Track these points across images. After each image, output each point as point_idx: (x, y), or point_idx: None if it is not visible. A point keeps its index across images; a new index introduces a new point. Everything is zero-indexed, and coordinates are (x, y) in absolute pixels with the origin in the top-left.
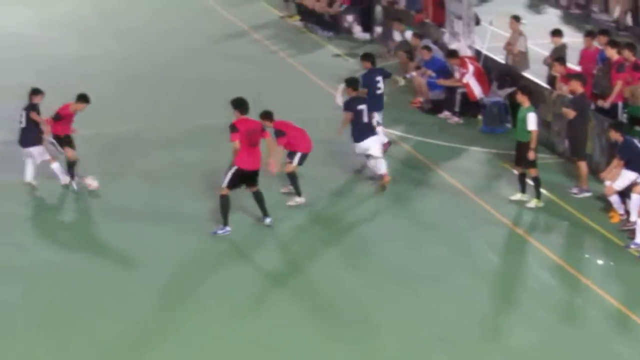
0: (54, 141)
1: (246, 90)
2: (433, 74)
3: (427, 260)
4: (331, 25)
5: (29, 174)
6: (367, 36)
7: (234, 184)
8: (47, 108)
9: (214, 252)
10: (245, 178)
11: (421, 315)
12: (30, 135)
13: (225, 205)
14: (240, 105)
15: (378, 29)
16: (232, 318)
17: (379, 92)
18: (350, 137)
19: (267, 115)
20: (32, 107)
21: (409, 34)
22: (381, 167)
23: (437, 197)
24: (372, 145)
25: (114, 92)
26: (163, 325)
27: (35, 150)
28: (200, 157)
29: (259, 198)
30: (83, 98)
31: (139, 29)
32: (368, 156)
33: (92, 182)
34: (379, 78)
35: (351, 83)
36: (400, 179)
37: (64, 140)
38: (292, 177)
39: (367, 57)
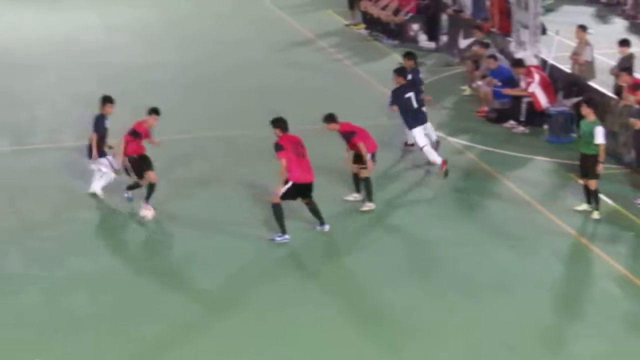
0: (128, 166)
1: (309, 98)
2: (499, 83)
3: (491, 268)
4: (396, 33)
5: (94, 185)
6: (432, 45)
7: (288, 196)
8: (113, 117)
9: (271, 258)
10: (301, 191)
11: (485, 323)
12: (97, 146)
13: (279, 213)
14: (280, 123)
15: (443, 38)
16: (288, 326)
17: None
18: (404, 126)
19: (332, 118)
20: (95, 123)
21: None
22: (434, 157)
23: (502, 206)
24: (429, 130)
25: (179, 99)
26: (217, 330)
27: (96, 163)
28: (263, 165)
29: (313, 209)
30: (155, 111)
31: (204, 37)
32: (437, 142)
33: (147, 213)
34: (422, 76)
35: (400, 72)
36: (465, 188)
37: (141, 162)
38: (368, 182)
39: (410, 55)
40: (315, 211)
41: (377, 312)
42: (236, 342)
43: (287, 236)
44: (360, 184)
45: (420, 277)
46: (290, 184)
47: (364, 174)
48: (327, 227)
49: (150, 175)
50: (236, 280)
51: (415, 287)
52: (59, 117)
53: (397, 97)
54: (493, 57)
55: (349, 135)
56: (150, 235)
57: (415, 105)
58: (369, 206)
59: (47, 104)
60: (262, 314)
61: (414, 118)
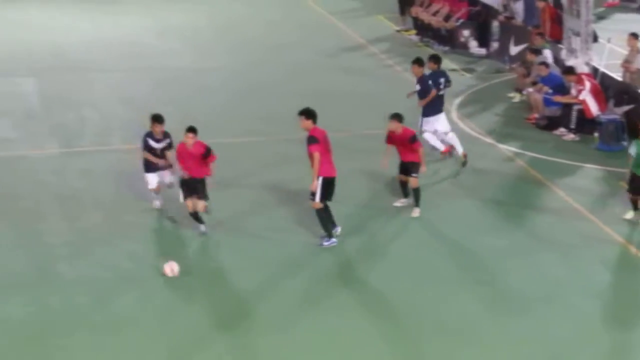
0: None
1: (361, 104)
2: (549, 90)
3: (540, 278)
4: (447, 39)
5: (155, 203)
6: (483, 51)
7: (324, 195)
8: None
9: (316, 264)
10: (330, 186)
11: (534, 334)
12: (143, 161)
13: (323, 218)
14: (314, 114)
15: (494, 44)
16: (326, 334)
17: (440, 92)
18: (422, 114)
19: (400, 118)
20: (142, 140)
21: (547, 52)
22: (456, 143)
23: (551, 214)
24: (443, 120)
25: (230, 104)
26: (250, 335)
27: (146, 176)
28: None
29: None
30: (191, 130)
31: (255, 42)
32: (445, 134)
33: (170, 268)
34: (442, 80)
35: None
36: (514, 195)
37: (187, 185)
38: (418, 190)
39: (435, 59)
40: (329, 214)
41: (425, 321)
42: (265, 349)
43: (334, 240)
44: (407, 188)
45: (469, 286)
46: (321, 179)
47: (414, 183)
48: (338, 229)
49: (187, 204)
50: (280, 286)
51: (463, 296)
52: (109, 120)
53: (435, 81)
54: (544, 64)
55: (413, 139)
56: (198, 240)
57: (442, 92)
58: (417, 212)
59: (98, 106)
60: (298, 320)
61: (434, 105)
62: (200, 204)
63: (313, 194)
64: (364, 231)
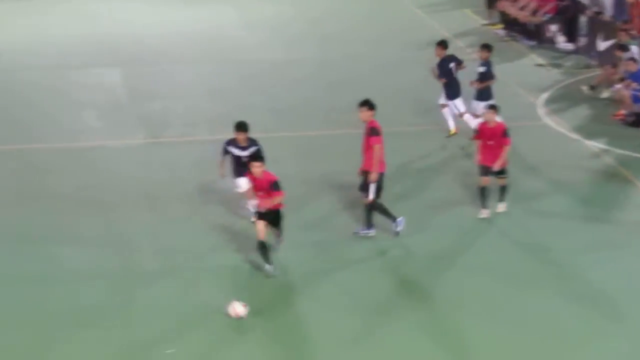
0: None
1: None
2: (638, 87)
3: (625, 275)
4: (534, 34)
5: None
6: (570, 46)
7: (380, 190)
8: (252, 118)
9: (386, 267)
10: (382, 181)
11: (621, 331)
12: (232, 167)
13: (381, 207)
14: (375, 106)
15: (582, 40)
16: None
17: (454, 76)
18: (446, 96)
19: (496, 108)
20: (224, 146)
21: (635, 48)
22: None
23: (637, 212)
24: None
25: (318, 97)
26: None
27: (235, 181)
28: (397, 162)
29: (371, 210)
30: (256, 159)
31: (343, 35)
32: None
33: (240, 310)
34: (493, 69)
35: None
36: (600, 192)
37: (261, 214)
38: (505, 188)
39: (488, 48)
40: (369, 213)
41: (507, 317)
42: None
43: (400, 219)
44: (487, 194)
45: (551, 283)
46: (378, 175)
47: (504, 182)
48: (368, 232)
49: (258, 226)
50: (348, 296)
51: (545, 292)
52: (195, 111)
53: (445, 66)
54: (633, 59)
55: (505, 133)
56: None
57: (455, 75)
58: (502, 207)
59: (183, 98)
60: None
61: (455, 88)
62: (274, 232)
63: (366, 188)
64: (439, 229)
